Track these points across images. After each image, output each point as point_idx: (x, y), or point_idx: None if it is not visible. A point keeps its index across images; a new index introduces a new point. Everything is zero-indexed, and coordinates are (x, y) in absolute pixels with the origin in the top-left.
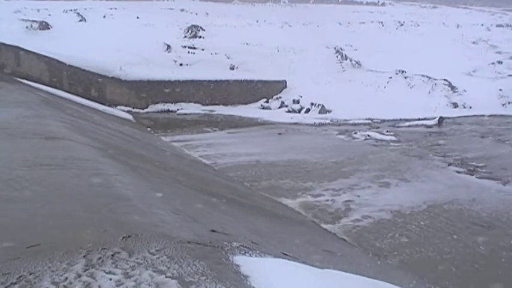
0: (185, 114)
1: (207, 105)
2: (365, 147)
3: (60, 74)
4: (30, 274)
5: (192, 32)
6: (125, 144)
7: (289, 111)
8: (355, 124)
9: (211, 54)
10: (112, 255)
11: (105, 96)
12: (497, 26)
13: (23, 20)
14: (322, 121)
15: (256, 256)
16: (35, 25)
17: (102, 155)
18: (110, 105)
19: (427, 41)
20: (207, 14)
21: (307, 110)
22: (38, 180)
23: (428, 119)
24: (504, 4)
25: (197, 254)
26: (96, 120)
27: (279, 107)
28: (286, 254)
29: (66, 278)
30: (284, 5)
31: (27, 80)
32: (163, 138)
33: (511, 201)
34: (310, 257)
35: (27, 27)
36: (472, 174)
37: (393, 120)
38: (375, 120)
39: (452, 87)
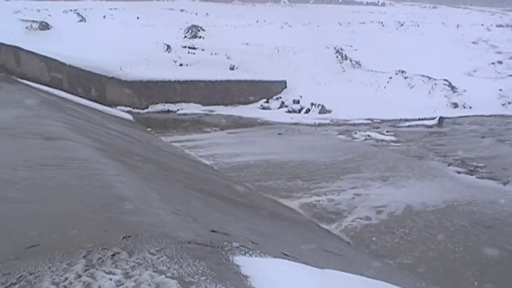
0: (185, 114)
1: (207, 105)
2: (365, 148)
3: (60, 74)
4: (30, 274)
5: (192, 32)
6: (125, 145)
7: (289, 112)
8: (355, 124)
9: (211, 54)
10: (112, 255)
11: (105, 97)
12: (497, 26)
13: (23, 20)
14: (322, 121)
15: (256, 256)
16: (35, 25)
17: (102, 155)
18: (109, 106)
19: (427, 41)
20: (207, 14)
21: (307, 110)
22: (38, 180)
23: (428, 119)
24: (504, 4)
25: (197, 254)
26: (96, 121)
27: (279, 107)
28: (287, 254)
29: (66, 278)
30: (284, 5)
31: (27, 80)
32: (163, 138)
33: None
34: (311, 257)
35: (27, 28)
36: (472, 175)
37: (393, 120)
38: (375, 120)
39: (452, 87)
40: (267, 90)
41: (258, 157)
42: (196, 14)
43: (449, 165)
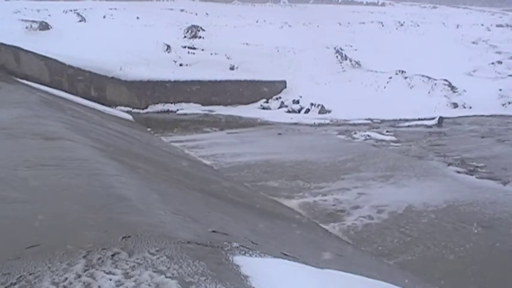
0: (185, 114)
1: (207, 105)
2: (365, 148)
3: (60, 74)
4: (30, 274)
5: (191, 32)
6: (125, 145)
7: (289, 112)
8: (354, 124)
9: (211, 54)
10: (112, 255)
11: (105, 97)
12: (497, 26)
13: (23, 20)
14: (322, 121)
15: (256, 256)
16: (35, 25)
17: (102, 155)
18: (109, 106)
19: (427, 41)
20: (206, 14)
21: (307, 110)
22: (38, 180)
23: (428, 119)
24: (504, 4)
25: (197, 254)
26: (95, 121)
27: (279, 107)
28: (286, 254)
29: (66, 279)
30: (284, 5)
31: (27, 80)
32: (163, 138)
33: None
34: (311, 257)
35: (27, 28)
36: (472, 175)
37: (393, 120)
38: (374, 120)
39: (452, 87)
40: (266, 90)
41: (258, 157)
42: (196, 14)
43: (449, 165)
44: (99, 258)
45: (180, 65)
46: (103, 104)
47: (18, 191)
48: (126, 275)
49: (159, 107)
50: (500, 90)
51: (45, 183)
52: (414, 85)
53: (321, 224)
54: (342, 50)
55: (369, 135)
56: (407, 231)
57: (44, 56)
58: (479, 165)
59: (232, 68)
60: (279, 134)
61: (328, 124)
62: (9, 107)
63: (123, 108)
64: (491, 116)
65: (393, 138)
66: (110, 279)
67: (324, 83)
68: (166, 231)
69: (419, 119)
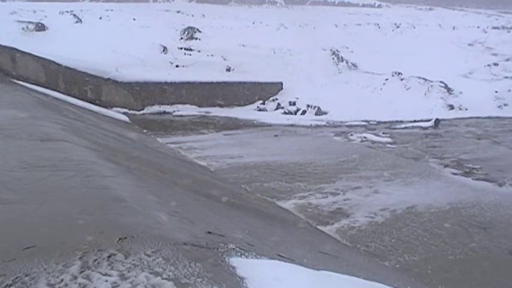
0: (181, 115)
1: (203, 106)
2: (361, 149)
3: (56, 75)
4: (26, 276)
5: (188, 33)
6: (121, 146)
7: (285, 113)
8: (351, 126)
9: (208, 56)
10: (108, 256)
11: (101, 98)
12: (493, 28)
13: (19, 21)
14: (318, 123)
15: (252, 258)
16: (31, 26)
17: (97, 157)
18: (105, 107)
19: (423, 43)
20: (203, 15)
21: (303, 112)
22: (33, 182)
23: (424, 121)
24: (500, 6)
25: (193, 255)
26: (92, 122)
27: (275, 109)
28: (282, 256)
29: (62, 280)
30: (280, 6)
31: (23, 81)
32: (159, 139)
33: (509, 202)
34: (307, 258)
35: (23, 29)
36: (468, 176)
37: (389, 122)
38: (370, 122)
39: (449, 89)
40: (263, 91)
41: (254, 158)
42: (193, 16)
43: (445, 166)
44: (95, 260)
45: (177, 66)
46: (99, 105)
47: (13, 192)
48: (122, 276)
49: (156, 108)
50: (496, 92)
51: (41, 185)
52: (410, 87)
53: (317, 226)
54: (338, 51)
55: (365, 137)
56: (404, 232)
57: (40, 57)
58: (476, 167)
59: (228, 70)
60: (276, 135)
61: (324, 126)
62: (5, 108)
63: (119, 109)
64: (487, 117)
65: (389, 140)
66: (106, 281)
67: (320, 85)
68: (162, 232)
69: (415, 121)
